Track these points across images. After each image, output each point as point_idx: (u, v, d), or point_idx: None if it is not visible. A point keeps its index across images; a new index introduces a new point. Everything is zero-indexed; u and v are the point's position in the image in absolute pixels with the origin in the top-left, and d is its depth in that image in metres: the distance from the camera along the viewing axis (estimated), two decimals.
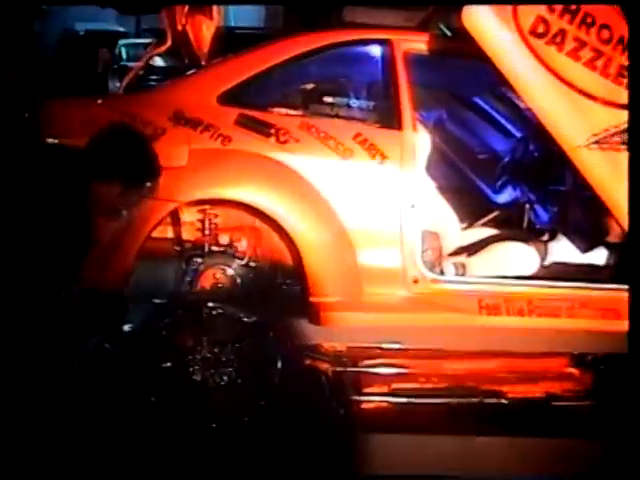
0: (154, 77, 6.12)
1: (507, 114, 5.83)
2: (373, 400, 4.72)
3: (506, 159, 5.85)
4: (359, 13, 5.37)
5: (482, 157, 6.11)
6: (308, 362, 4.90)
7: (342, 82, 4.88)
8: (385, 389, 4.77)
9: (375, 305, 4.50)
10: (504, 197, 5.91)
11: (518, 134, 5.79)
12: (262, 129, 4.44)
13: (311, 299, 4.41)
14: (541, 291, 4.76)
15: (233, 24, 11.27)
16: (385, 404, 4.68)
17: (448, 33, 4.82)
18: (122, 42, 19.84)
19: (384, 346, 4.97)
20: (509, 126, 5.90)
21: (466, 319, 4.58)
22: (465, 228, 5.57)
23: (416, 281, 4.54)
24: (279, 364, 4.33)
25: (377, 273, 4.49)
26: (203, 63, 5.05)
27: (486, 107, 6.08)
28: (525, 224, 5.80)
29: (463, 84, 5.87)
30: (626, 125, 4.23)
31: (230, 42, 5.10)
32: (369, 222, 4.50)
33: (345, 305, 4.44)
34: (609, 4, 4.26)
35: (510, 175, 5.83)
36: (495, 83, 4.79)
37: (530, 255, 5.18)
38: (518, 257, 5.17)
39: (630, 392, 3.59)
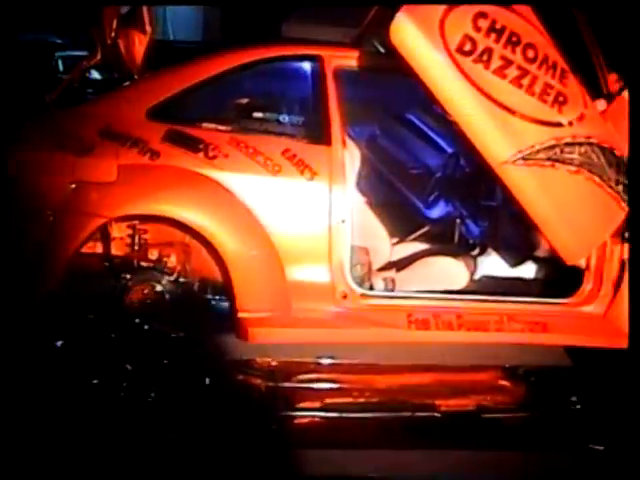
0: (91, 90, 6.07)
1: (439, 130, 5.90)
2: (306, 415, 4.68)
3: (438, 174, 5.92)
4: (297, 28, 5.35)
5: (414, 172, 6.18)
6: (240, 377, 4.90)
7: (272, 98, 4.88)
8: (318, 404, 4.75)
9: (304, 321, 4.49)
10: (436, 212, 5.98)
11: (450, 149, 5.85)
12: (191, 144, 4.42)
13: (239, 315, 4.38)
14: (470, 305, 4.80)
15: (172, 38, 11.19)
16: (318, 419, 4.65)
17: (381, 50, 4.84)
18: (59, 54, 19.50)
19: (317, 361, 5.02)
20: (441, 142, 5.98)
21: (395, 334, 4.60)
22: (397, 243, 5.60)
23: (345, 296, 4.56)
24: (207, 380, 4.30)
25: (306, 288, 4.49)
26: (136, 77, 5.02)
27: (419, 123, 6.16)
28: (456, 239, 5.86)
29: (396, 100, 5.93)
30: (552, 142, 4.31)
31: (168, 56, 5.07)
32: (298, 238, 4.50)
33: (274, 321, 4.43)
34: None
35: (442, 190, 5.90)
36: (427, 99, 4.80)
37: (459, 269, 5.23)
38: (447, 272, 5.21)
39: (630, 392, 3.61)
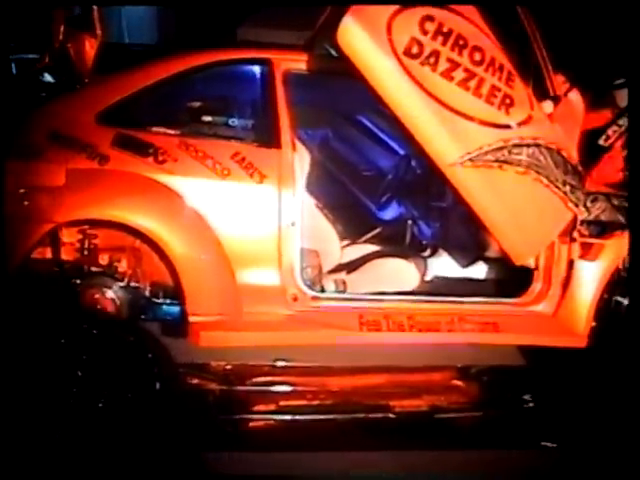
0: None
1: (391, 132, 5.92)
2: (261, 418, 4.69)
3: (390, 176, 5.94)
4: (254, 32, 5.33)
5: (367, 174, 6.21)
6: (195, 381, 4.90)
7: (222, 101, 4.86)
8: (273, 407, 4.77)
9: (255, 324, 4.48)
10: (388, 213, 6.01)
11: (401, 151, 5.88)
12: (140, 149, 4.39)
13: (190, 319, 4.36)
14: (421, 306, 4.82)
15: (126, 41, 11.10)
16: (273, 422, 4.66)
17: (333, 53, 4.85)
18: (12, 56, 19.34)
19: (272, 364, 5.03)
20: (393, 144, 6.00)
21: (347, 336, 4.60)
22: (348, 244, 5.61)
23: (296, 299, 4.56)
24: (157, 385, 4.28)
25: (256, 292, 4.48)
26: (87, 81, 4.98)
27: (370, 125, 6.18)
28: (407, 240, 5.89)
29: (348, 103, 5.94)
30: (499, 144, 4.34)
31: (122, 59, 5.04)
32: (247, 241, 4.49)
33: (224, 324, 4.41)
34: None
35: (394, 192, 5.93)
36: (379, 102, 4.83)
37: (410, 271, 5.27)
38: (398, 273, 5.24)
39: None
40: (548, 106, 4.75)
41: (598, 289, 4.96)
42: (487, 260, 5.47)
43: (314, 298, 4.63)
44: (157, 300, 4.64)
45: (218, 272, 4.42)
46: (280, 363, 5.09)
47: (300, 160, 4.67)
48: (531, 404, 5.09)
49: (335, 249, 5.28)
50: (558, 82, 4.86)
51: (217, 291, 4.43)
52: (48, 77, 5.70)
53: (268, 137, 4.59)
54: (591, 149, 4.96)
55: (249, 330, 4.47)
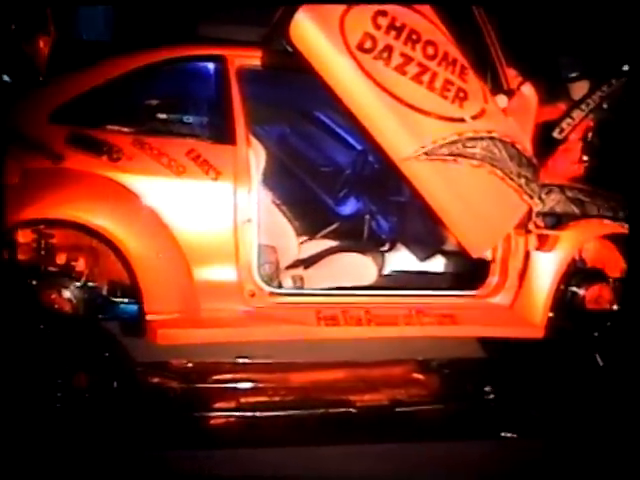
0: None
1: (348, 127, 5.93)
2: (222, 415, 4.68)
3: (348, 171, 5.95)
4: (213, 28, 5.32)
5: (324, 170, 6.21)
6: (155, 380, 4.88)
7: (176, 98, 4.82)
8: (234, 404, 4.75)
9: (213, 321, 4.46)
10: (346, 208, 6.03)
11: (359, 146, 5.89)
12: (94, 147, 4.36)
13: (147, 317, 4.34)
14: (378, 300, 4.85)
15: (83, 38, 10.99)
16: (234, 419, 4.65)
17: (289, 49, 4.84)
18: None
19: (233, 361, 5.02)
20: (350, 139, 6.01)
21: (304, 331, 4.60)
22: (307, 240, 5.62)
23: (253, 295, 4.55)
24: (115, 384, 4.26)
25: (214, 288, 4.47)
26: (41, 79, 4.95)
27: (328, 121, 6.18)
28: (365, 235, 5.90)
29: (306, 99, 5.93)
30: (454, 137, 4.36)
31: (77, 56, 5.00)
32: (204, 238, 4.47)
33: (182, 322, 4.39)
34: None
35: (351, 187, 5.94)
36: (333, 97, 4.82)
37: (368, 265, 5.29)
38: (355, 267, 5.27)
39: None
40: (502, 100, 4.79)
41: (554, 280, 5.02)
42: (445, 253, 5.50)
43: (271, 294, 4.63)
44: (115, 299, 4.60)
45: (175, 270, 4.40)
46: (241, 360, 5.08)
47: (256, 156, 4.66)
48: (491, 395, 5.11)
49: (292, 245, 5.29)
50: (511, 76, 4.90)
51: (174, 289, 4.41)
52: (5, 77, 5.66)
53: (223, 134, 4.58)
54: (545, 142, 5.00)
55: (207, 327, 4.45)
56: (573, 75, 7.03)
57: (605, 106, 8.46)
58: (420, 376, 5.32)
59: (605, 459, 4.32)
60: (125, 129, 4.52)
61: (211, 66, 4.75)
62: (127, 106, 4.72)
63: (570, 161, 6.03)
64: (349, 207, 6.03)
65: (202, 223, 4.49)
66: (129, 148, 4.41)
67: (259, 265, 4.60)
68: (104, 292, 4.61)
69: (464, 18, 4.71)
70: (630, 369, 4.52)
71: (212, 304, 4.48)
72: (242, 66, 4.71)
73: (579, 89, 5.86)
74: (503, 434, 4.61)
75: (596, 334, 4.93)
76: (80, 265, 4.56)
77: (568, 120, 5.05)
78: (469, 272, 5.18)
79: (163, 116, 4.67)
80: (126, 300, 4.58)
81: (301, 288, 5.01)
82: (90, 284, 4.55)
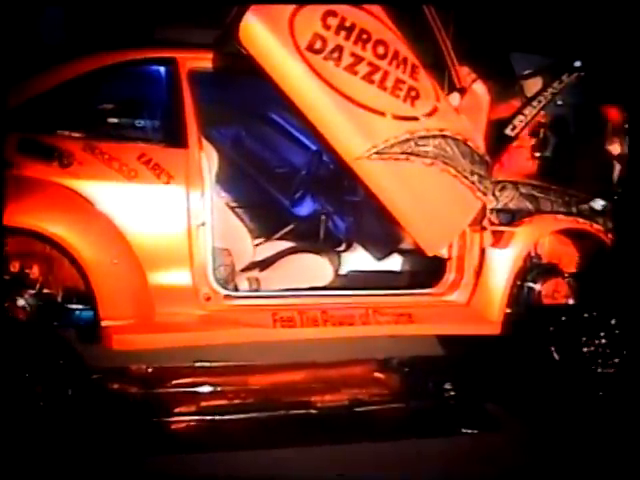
0: None
1: (302, 128, 5.92)
2: (182, 420, 4.65)
3: (303, 172, 5.94)
4: (171, 31, 5.29)
5: (280, 171, 6.19)
6: (115, 386, 4.84)
7: (127, 102, 4.77)
8: (194, 408, 4.73)
9: (169, 325, 4.44)
10: (302, 209, 6.01)
11: (314, 147, 5.88)
12: (44, 153, 4.31)
13: (102, 323, 4.30)
14: (335, 300, 4.84)
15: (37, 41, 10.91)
16: (194, 423, 4.62)
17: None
18: None
19: (192, 365, 5.00)
20: (305, 139, 6.00)
21: (261, 333, 4.60)
22: (263, 242, 5.61)
23: (208, 298, 4.54)
24: (70, 391, 4.21)
25: (169, 293, 4.44)
26: None
27: (282, 122, 6.17)
28: (321, 235, 5.90)
29: (260, 100, 5.91)
30: (406, 136, 4.37)
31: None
32: (157, 242, 4.44)
33: (138, 327, 4.36)
34: None
35: (307, 187, 5.93)
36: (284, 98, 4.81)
37: (324, 266, 5.29)
38: (311, 268, 5.26)
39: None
40: (454, 98, 4.81)
41: (510, 276, 5.06)
42: (401, 252, 5.52)
43: (227, 297, 4.61)
44: (70, 306, 4.56)
45: (129, 275, 4.37)
46: (201, 364, 5.06)
47: (208, 159, 4.63)
48: (452, 392, 5.13)
49: (247, 247, 5.27)
50: (463, 74, 4.93)
51: (129, 294, 4.38)
52: None
53: (175, 137, 4.55)
54: (498, 139, 5.03)
55: (162, 332, 4.43)
56: (527, 72, 7.10)
57: (559, 102, 8.59)
58: (380, 375, 5.32)
59: (564, 452, 4.38)
60: (75, 134, 4.46)
61: (162, 69, 4.70)
62: (77, 111, 4.65)
63: (523, 157, 6.10)
64: (305, 208, 6.01)
65: (155, 227, 4.46)
66: (80, 153, 4.36)
67: (214, 268, 4.58)
68: (59, 299, 4.57)
69: (415, 17, 4.73)
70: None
71: (168, 308, 4.46)
72: (193, 69, 4.67)
73: (533, 86, 5.89)
74: (463, 430, 4.64)
75: (552, 329, 4.96)
76: (34, 272, 4.51)
77: (520, 117, 5.07)
78: (425, 270, 5.20)
79: (114, 120, 4.64)
80: (81, 307, 4.54)
81: (257, 290, 5.01)
82: (45, 291, 4.51)
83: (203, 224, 4.49)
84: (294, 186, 5.94)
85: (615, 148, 7.14)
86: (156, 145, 4.54)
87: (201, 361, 5.08)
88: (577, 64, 5.16)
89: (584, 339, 4.87)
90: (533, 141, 6.50)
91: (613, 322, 4.88)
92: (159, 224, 4.47)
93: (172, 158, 4.49)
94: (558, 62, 5.58)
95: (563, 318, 4.96)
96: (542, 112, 6.36)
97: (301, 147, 6.05)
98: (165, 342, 4.50)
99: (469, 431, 4.65)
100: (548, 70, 5.62)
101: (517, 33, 9.13)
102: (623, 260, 5.06)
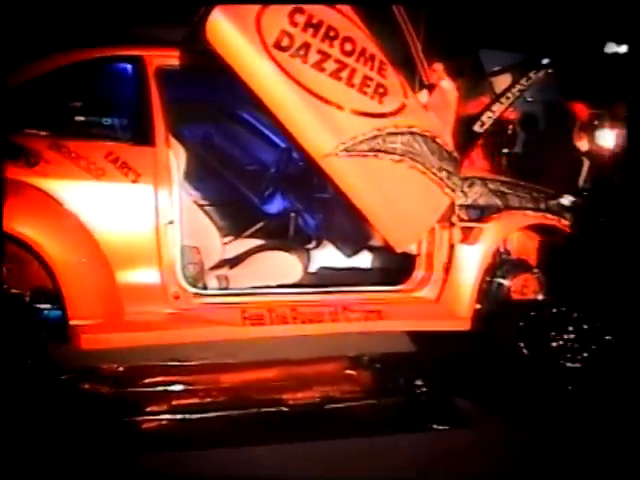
0: None
1: (272, 125, 5.91)
2: (154, 419, 4.63)
3: (272, 169, 5.94)
4: (139, 29, 5.27)
5: (250, 169, 6.19)
6: (86, 386, 4.81)
7: (94, 100, 4.74)
8: (166, 407, 4.70)
9: (138, 324, 4.42)
10: (272, 207, 6.01)
11: (283, 144, 5.88)
12: (10, 152, 4.26)
13: (71, 322, 4.28)
14: (304, 298, 4.85)
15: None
16: (166, 422, 4.60)
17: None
18: None
19: (164, 364, 4.98)
20: (274, 137, 5.99)
21: (230, 331, 4.60)
22: (233, 240, 5.60)
23: (177, 297, 4.53)
24: (39, 390, 4.19)
25: (137, 292, 4.43)
26: None
27: (252, 120, 6.16)
28: (291, 232, 5.90)
29: (229, 98, 5.91)
30: (374, 132, 4.38)
31: None
32: (126, 241, 4.43)
33: (107, 326, 4.34)
34: None
35: (277, 185, 5.93)
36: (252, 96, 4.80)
37: (293, 263, 5.28)
38: (280, 266, 5.26)
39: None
40: (422, 95, 4.83)
41: (479, 272, 5.08)
42: (371, 249, 5.53)
43: (196, 295, 4.61)
44: (38, 305, 4.53)
45: (97, 274, 4.35)
46: (172, 363, 5.05)
47: (176, 157, 4.63)
48: (423, 389, 5.14)
49: (216, 245, 5.26)
50: (430, 71, 4.95)
51: (97, 293, 4.36)
52: None
53: (142, 135, 4.54)
54: (467, 135, 5.05)
55: (131, 331, 4.41)
56: (496, 69, 7.14)
57: (529, 99, 8.65)
58: (352, 372, 5.32)
59: (535, 447, 4.40)
60: (42, 133, 4.44)
61: (129, 67, 4.68)
62: (44, 109, 4.62)
63: (492, 154, 6.14)
64: (275, 205, 6.01)
65: (123, 226, 4.44)
66: (47, 152, 4.34)
67: (183, 267, 4.58)
68: (27, 299, 4.54)
69: (383, 15, 4.74)
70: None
71: (136, 307, 4.44)
72: (161, 66, 4.66)
73: (502, 83, 5.92)
74: (435, 426, 4.65)
75: (521, 324, 4.99)
76: (3, 272, 4.49)
77: (488, 114, 5.09)
78: (395, 267, 5.21)
79: (81, 119, 4.61)
80: (49, 306, 4.52)
81: (226, 288, 5.00)
82: (13, 291, 4.49)
83: (171, 222, 4.48)
84: (264, 184, 5.94)
85: (583, 144, 7.20)
86: (124, 143, 4.52)
87: (173, 360, 5.06)
88: (545, 61, 5.18)
89: (553, 334, 4.92)
90: (502, 137, 6.58)
91: (581, 316, 4.93)
92: (127, 223, 4.45)
93: (140, 156, 4.47)
94: (527, 59, 5.61)
95: (532, 313, 5.00)
96: (511, 109, 6.43)
97: (271, 145, 6.05)
98: (134, 341, 4.48)
99: (440, 427, 4.66)
100: (517, 67, 5.65)
101: (487, 31, 9.21)
102: (595, 256, 5.09)
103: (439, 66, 5.91)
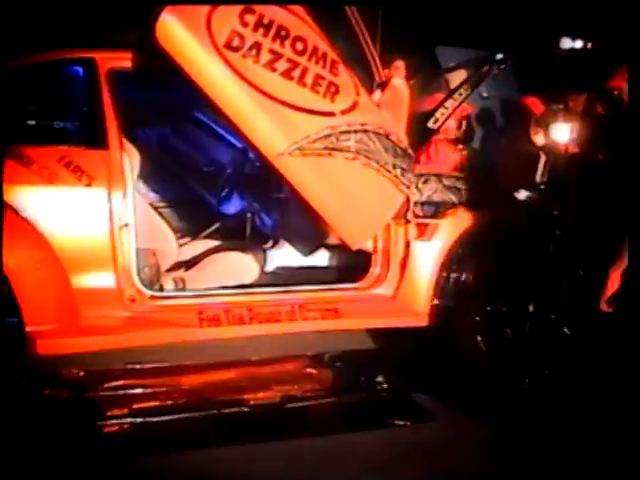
0: None
1: (228, 126, 5.91)
2: (115, 423, 4.61)
3: (229, 170, 5.93)
4: (90, 32, 5.24)
5: (206, 170, 6.17)
6: (46, 392, 4.78)
7: (46, 104, 4.70)
8: (127, 410, 4.69)
9: (94, 328, 4.41)
10: (229, 208, 6.00)
11: (239, 145, 5.87)
12: None
13: (27, 328, 4.25)
14: (261, 298, 4.86)
15: None
16: (127, 426, 4.59)
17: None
18: None
19: (124, 367, 4.97)
20: (230, 137, 5.99)
21: (187, 333, 4.59)
22: (189, 241, 5.59)
23: (134, 300, 4.52)
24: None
25: (93, 296, 4.41)
26: None
27: (207, 120, 6.14)
28: (248, 233, 5.90)
29: (184, 99, 5.88)
30: (327, 131, 4.39)
31: None
32: (80, 245, 4.40)
33: (63, 331, 4.32)
34: None
35: (233, 185, 5.92)
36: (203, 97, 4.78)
37: (249, 263, 5.27)
38: (236, 266, 5.25)
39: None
40: (375, 93, 4.84)
41: (435, 268, 5.08)
42: (328, 248, 5.54)
43: (152, 298, 4.61)
44: None
45: (52, 279, 4.32)
46: (133, 366, 5.04)
47: (130, 160, 4.59)
48: (384, 385, 5.17)
49: (172, 247, 5.23)
50: (383, 69, 4.97)
51: (52, 298, 4.34)
52: None
53: (95, 139, 4.51)
54: (421, 132, 5.07)
55: (88, 335, 4.39)
56: (451, 65, 7.18)
57: (485, 95, 8.68)
58: (312, 371, 5.34)
59: (495, 441, 4.44)
60: None
61: (81, 70, 4.65)
62: None
63: (446, 150, 6.17)
64: (232, 206, 6.00)
65: (78, 230, 4.41)
66: None
67: (139, 269, 4.57)
68: None
69: (335, 13, 4.75)
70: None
71: (93, 312, 4.43)
72: (113, 69, 4.64)
73: (458, 79, 5.96)
74: (396, 422, 4.68)
75: (478, 318, 5.03)
76: None
77: (442, 110, 5.11)
78: (351, 265, 5.23)
79: (33, 122, 4.57)
80: (4, 312, 4.49)
81: (183, 290, 4.99)
82: None
83: (126, 225, 4.47)
84: (220, 184, 5.93)
85: (539, 139, 7.25)
86: (77, 147, 4.48)
87: (132, 363, 5.05)
88: (498, 56, 5.21)
89: (509, 329, 4.97)
90: (458, 133, 6.60)
91: (537, 310, 4.98)
92: (81, 227, 4.42)
93: (93, 160, 4.45)
94: (482, 55, 5.65)
95: (488, 308, 5.04)
96: (467, 105, 6.45)
97: (227, 145, 6.04)
98: (91, 345, 4.46)
99: (401, 423, 4.68)
100: (472, 63, 5.69)
101: (443, 27, 9.24)
102: (549, 250, 5.13)
103: (400, 63, 5.97)
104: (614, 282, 3.73)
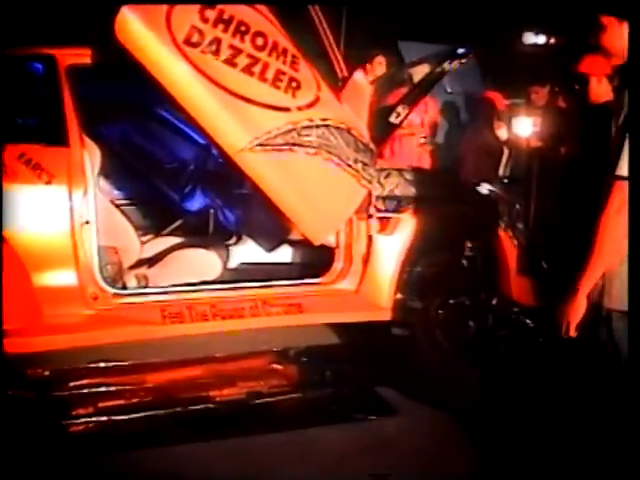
0: None
1: (189, 122, 5.89)
2: (80, 422, 4.59)
3: (192, 166, 5.92)
4: (49, 28, 5.21)
5: (169, 166, 6.15)
6: (9, 392, 4.75)
7: (5, 101, 4.61)
8: (92, 409, 4.67)
9: (57, 327, 4.38)
10: (192, 204, 5.99)
11: (202, 141, 5.87)
12: None
13: None
14: (224, 294, 4.84)
15: None
16: (92, 424, 4.57)
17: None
18: None
19: (88, 365, 4.94)
20: (193, 134, 5.97)
21: (150, 330, 4.58)
22: (152, 238, 5.57)
23: (96, 298, 4.49)
24: None
25: (55, 294, 4.37)
26: None
27: (169, 117, 6.13)
28: (211, 229, 5.89)
29: (145, 95, 5.86)
30: (288, 126, 4.39)
31: None
32: (41, 243, 4.37)
33: (25, 330, 4.30)
34: None
35: (197, 182, 5.91)
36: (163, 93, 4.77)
37: (212, 260, 5.27)
38: (199, 263, 5.24)
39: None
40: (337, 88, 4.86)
41: (398, 262, 5.09)
42: (291, 243, 5.54)
43: (115, 295, 4.58)
44: None
45: (12, 278, 4.26)
46: (97, 364, 5.02)
47: (91, 157, 4.56)
48: (349, 380, 5.19)
49: (134, 244, 5.20)
50: (344, 64, 4.98)
51: (14, 297, 4.26)
52: None
53: (55, 136, 4.47)
54: (382, 127, 5.08)
55: (51, 334, 4.36)
56: (414, 60, 7.20)
57: (449, 90, 8.74)
58: (278, 366, 5.34)
59: (460, 434, 4.47)
60: None
61: (40, 67, 4.62)
62: None
63: (408, 144, 6.19)
64: (195, 202, 5.99)
65: (38, 228, 4.38)
66: None
67: (101, 267, 4.54)
68: None
69: (296, 9, 4.76)
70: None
71: (55, 310, 4.39)
72: (73, 65, 4.60)
73: (421, 74, 5.98)
74: (361, 416, 4.70)
75: (441, 312, 5.06)
76: None
77: (404, 105, 5.12)
78: (314, 260, 5.24)
79: None
80: None
81: (145, 287, 4.97)
82: None
83: (87, 223, 4.43)
84: (183, 181, 5.92)
85: (502, 133, 7.31)
86: (36, 144, 4.44)
87: (96, 362, 5.03)
88: (460, 51, 5.23)
89: (471, 322, 5.01)
90: (419, 128, 6.63)
91: (500, 303, 5.02)
92: (42, 225, 4.39)
93: (53, 157, 4.41)
94: (444, 50, 5.67)
95: (451, 301, 5.08)
96: (430, 99, 6.48)
97: (189, 141, 6.03)
98: (54, 344, 4.43)
99: (366, 417, 4.70)
100: (434, 57, 5.71)
101: (406, 22, 9.28)
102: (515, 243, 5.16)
103: (382, 59, 5.98)
104: (580, 305, 3.12)
